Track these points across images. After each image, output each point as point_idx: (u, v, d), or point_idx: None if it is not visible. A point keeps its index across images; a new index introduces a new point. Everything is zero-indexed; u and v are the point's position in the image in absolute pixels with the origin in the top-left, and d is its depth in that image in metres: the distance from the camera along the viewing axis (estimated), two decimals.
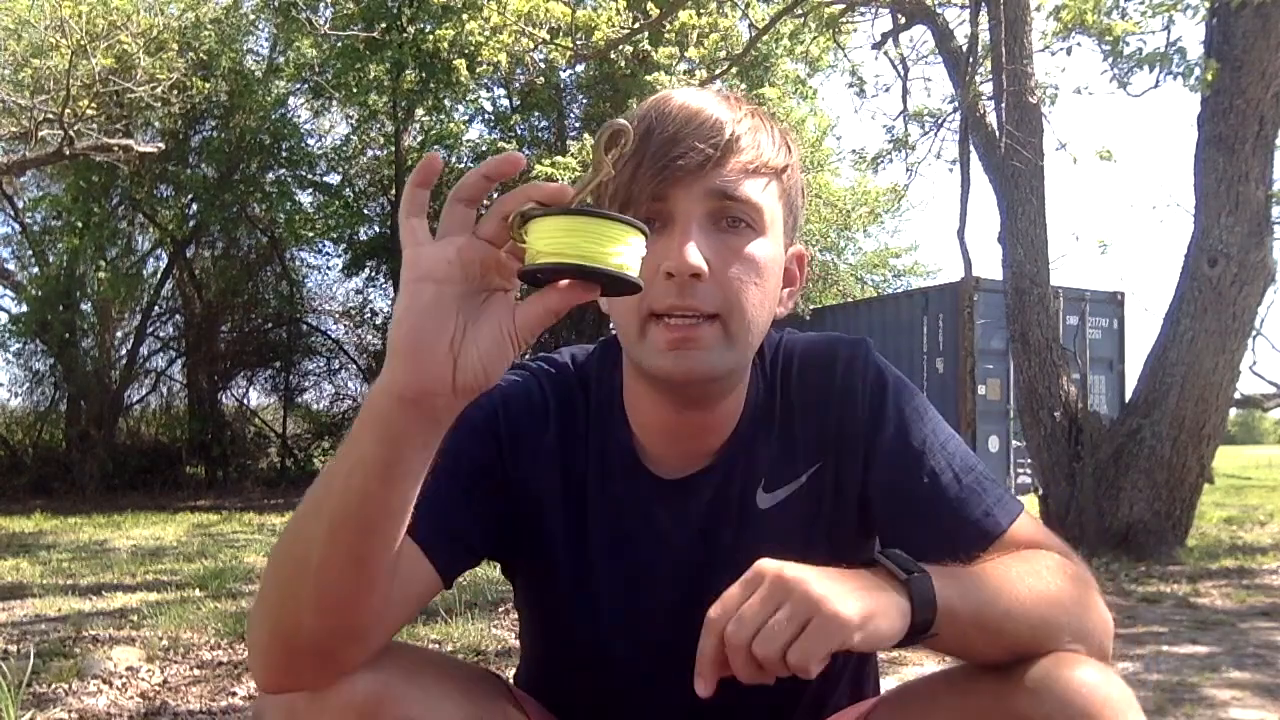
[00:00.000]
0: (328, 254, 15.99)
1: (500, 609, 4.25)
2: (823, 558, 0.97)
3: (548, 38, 7.48)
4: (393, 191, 14.67)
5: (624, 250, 0.70)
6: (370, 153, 15.29)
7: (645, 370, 0.92)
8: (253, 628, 0.83)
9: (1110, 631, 0.89)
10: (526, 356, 1.09)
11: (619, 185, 0.89)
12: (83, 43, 8.74)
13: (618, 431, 1.00)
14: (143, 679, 3.11)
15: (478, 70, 10.84)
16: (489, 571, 5.33)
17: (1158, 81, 6.18)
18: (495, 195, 0.77)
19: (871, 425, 0.98)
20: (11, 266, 14.52)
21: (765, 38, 9.56)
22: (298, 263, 16.03)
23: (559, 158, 11.71)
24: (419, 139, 14.63)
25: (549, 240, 0.70)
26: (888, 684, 1.12)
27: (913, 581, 0.80)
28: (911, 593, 0.79)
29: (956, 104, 7.09)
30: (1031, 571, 0.86)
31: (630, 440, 1.00)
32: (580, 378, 1.03)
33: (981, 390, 9.62)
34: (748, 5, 8.76)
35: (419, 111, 14.17)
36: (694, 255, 0.86)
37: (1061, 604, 0.85)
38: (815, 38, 9.74)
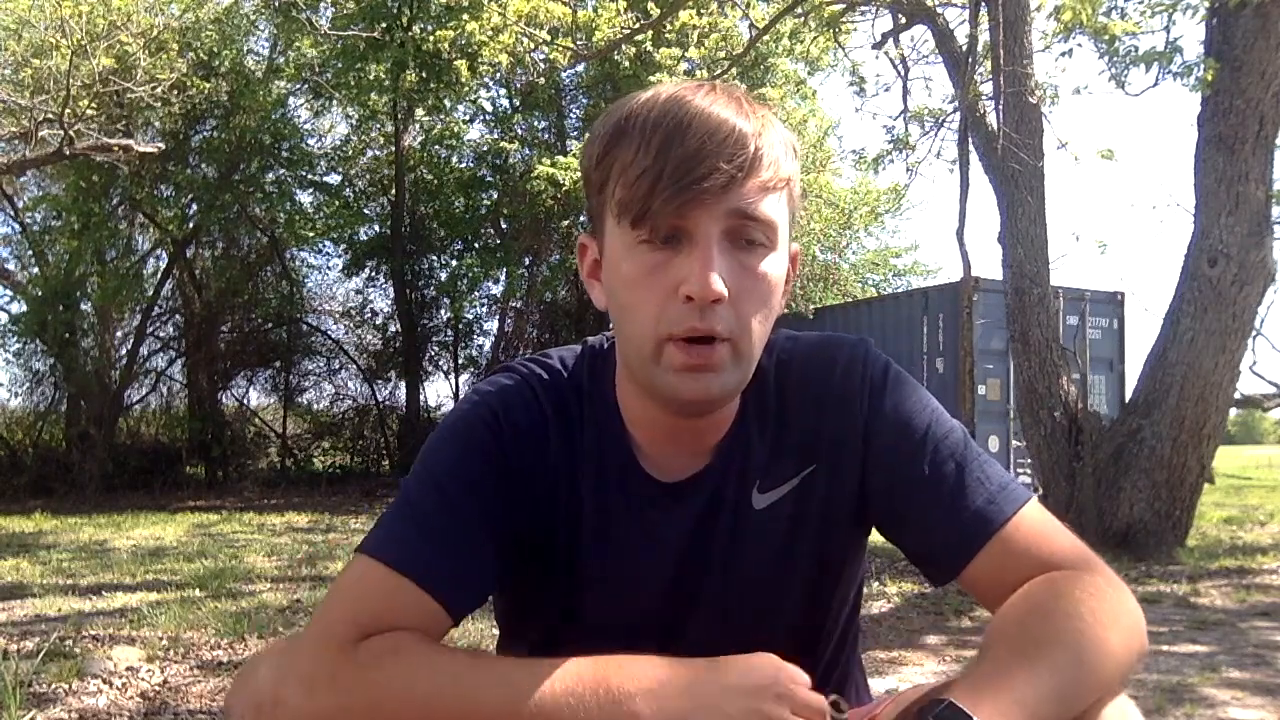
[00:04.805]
0: (328, 254, 16.03)
1: None
2: (809, 558, 0.99)
3: (548, 38, 7.48)
4: (393, 191, 14.69)
5: None
6: (370, 153, 15.30)
7: (655, 390, 0.91)
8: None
9: (1139, 631, 0.87)
10: (517, 358, 1.08)
11: (633, 195, 0.86)
12: (83, 43, 8.73)
13: (613, 434, 0.99)
14: (143, 679, 3.11)
15: (478, 70, 10.85)
16: None
17: (1157, 81, 6.19)
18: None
19: (870, 420, 0.98)
20: (11, 266, 14.56)
21: (765, 38, 9.56)
22: (298, 263, 16.05)
23: (559, 157, 11.71)
24: (419, 139, 14.63)
25: None
26: (887, 683, 1.12)
27: None
28: None
29: (956, 104, 7.08)
30: (1069, 632, 0.83)
31: (627, 442, 0.99)
32: (572, 380, 1.02)
33: (981, 390, 9.61)
34: (748, 5, 8.75)
35: (419, 111, 14.17)
36: (717, 282, 0.85)
37: (1103, 656, 0.82)
38: (815, 38, 9.73)
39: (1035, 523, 0.93)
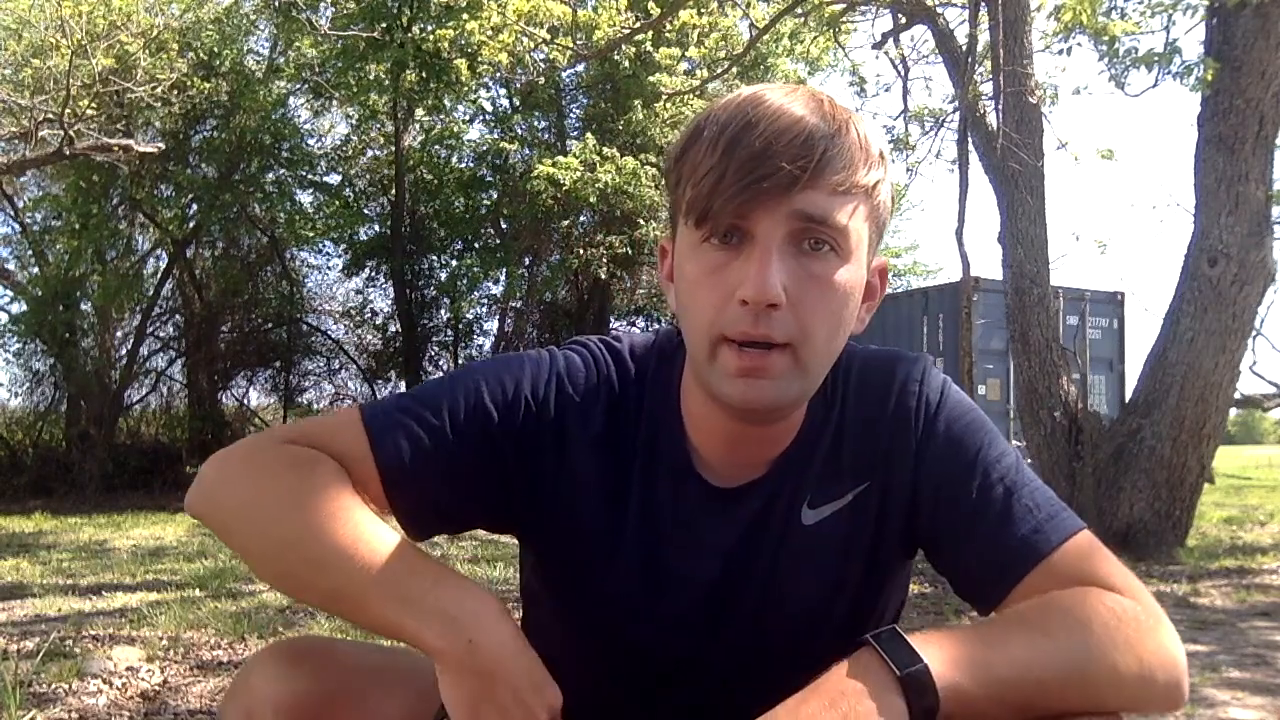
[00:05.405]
0: (328, 254, 16.02)
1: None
2: (852, 578, 0.97)
3: (548, 38, 7.48)
4: (392, 191, 14.69)
5: None
6: (370, 153, 15.29)
7: (713, 392, 0.89)
8: (240, 509, 0.87)
9: (1171, 668, 0.84)
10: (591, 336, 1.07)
11: (698, 194, 0.84)
12: (83, 43, 8.73)
13: (672, 431, 0.98)
14: (143, 679, 3.11)
15: (478, 70, 10.84)
16: (490, 572, 5.32)
17: (1156, 81, 6.19)
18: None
19: (923, 442, 0.96)
20: (11, 266, 14.54)
21: (765, 38, 9.56)
22: (298, 263, 16.04)
23: (559, 157, 11.71)
24: (419, 139, 14.63)
25: None
26: None
27: (907, 679, 0.75)
28: (907, 690, 0.75)
29: (956, 104, 7.08)
30: (1062, 624, 0.82)
31: (684, 442, 0.97)
32: (638, 370, 1.00)
33: (981, 390, 9.61)
34: (748, 5, 8.75)
35: (419, 111, 14.17)
36: (773, 286, 0.82)
37: (1096, 660, 0.81)
38: (815, 38, 9.74)
39: (1084, 553, 0.90)
